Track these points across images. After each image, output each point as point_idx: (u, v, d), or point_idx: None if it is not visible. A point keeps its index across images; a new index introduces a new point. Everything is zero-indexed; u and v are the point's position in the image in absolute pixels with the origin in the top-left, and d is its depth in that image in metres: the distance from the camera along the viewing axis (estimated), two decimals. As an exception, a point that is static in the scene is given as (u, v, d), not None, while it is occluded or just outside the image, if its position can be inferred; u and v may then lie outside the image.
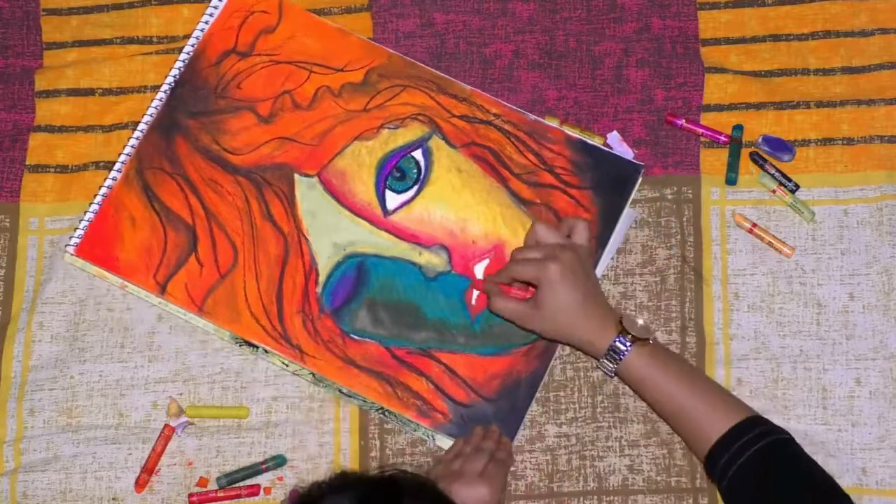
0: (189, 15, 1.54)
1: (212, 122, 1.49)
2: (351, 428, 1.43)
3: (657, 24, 1.52)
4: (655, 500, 1.41)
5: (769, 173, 1.47)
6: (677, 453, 1.41)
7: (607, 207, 1.46)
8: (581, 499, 1.42)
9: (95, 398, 1.44)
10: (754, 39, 1.52)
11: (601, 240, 1.45)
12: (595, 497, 1.42)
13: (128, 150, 1.49)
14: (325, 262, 1.45)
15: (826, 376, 1.43)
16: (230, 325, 1.44)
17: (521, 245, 1.43)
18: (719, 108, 1.50)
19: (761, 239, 1.46)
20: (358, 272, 1.45)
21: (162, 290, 1.44)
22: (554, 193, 1.46)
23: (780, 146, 1.48)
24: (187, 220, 1.46)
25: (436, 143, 1.48)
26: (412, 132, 1.48)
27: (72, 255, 1.46)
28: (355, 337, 1.43)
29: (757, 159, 1.48)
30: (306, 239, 1.46)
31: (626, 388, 1.42)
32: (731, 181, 1.47)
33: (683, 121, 1.49)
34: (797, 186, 1.47)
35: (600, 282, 1.44)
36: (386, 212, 1.46)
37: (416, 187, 1.47)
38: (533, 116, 1.48)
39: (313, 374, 1.43)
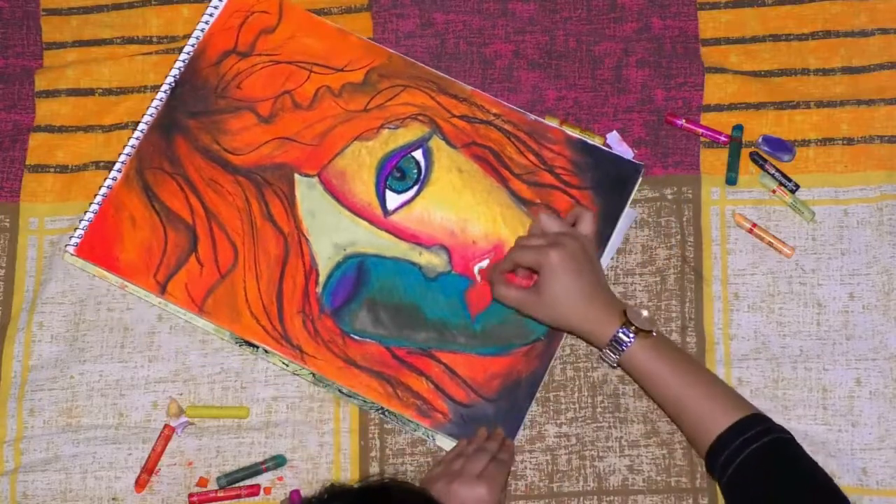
0: (189, 15, 1.54)
1: (212, 122, 1.49)
2: (351, 428, 1.43)
3: (657, 24, 1.52)
4: (655, 500, 1.41)
5: (769, 173, 1.47)
6: (677, 453, 1.42)
7: (607, 207, 1.46)
8: (581, 499, 1.42)
9: (95, 398, 1.44)
10: (754, 39, 1.52)
11: (601, 240, 1.45)
12: (595, 497, 1.42)
13: (128, 150, 1.49)
14: (325, 263, 1.45)
15: (826, 376, 1.43)
16: (230, 325, 1.44)
17: (523, 243, 1.43)
18: (719, 108, 1.50)
19: (761, 239, 1.46)
20: (358, 272, 1.45)
21: (162, 290, 1.44)
22: (554, 193, 1.46)
23: (780, 146, 1.48)
24: (187, 220, 1.46)
25: (436, 143, 1.48)
26: (412, 132, 1.48)
27: (72, 255, 1.46)
28: (355, 337, 1.43)
29: (757, 159, 1.48)
30: (306, 239, 1.45)
31: (626, 388, 1.43)
32: (731, 181, 1.47)
33: (683, 121, 1.49)
34: (797, 186, 1.47)
35: (600, 282, 1.45)
36: (386, 212, 1.46)
37: (416, 187, 1.47)
38: (533, 116, 1.48)
39: (313, 374, 1.43)
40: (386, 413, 1.42)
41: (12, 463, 1.43)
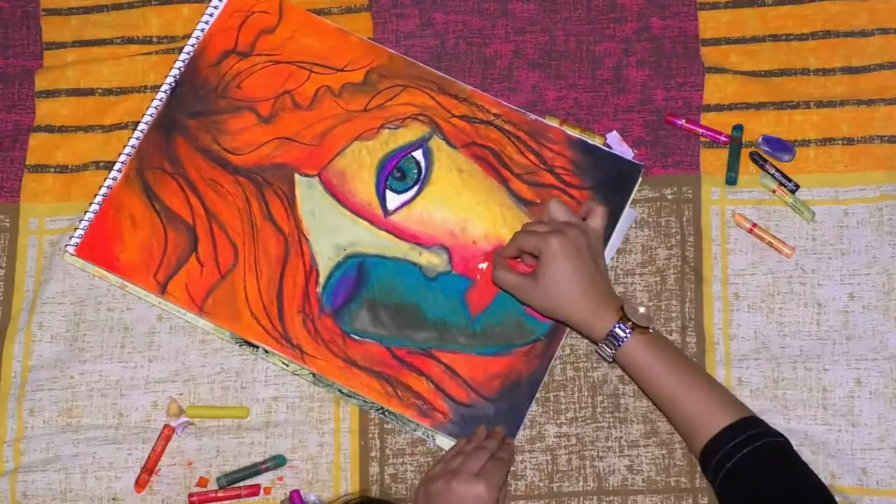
0: (189, 15, 1.54)
1: (212, 122, 1.49)
2: (351, 428, 1.43)
3: (657, 24, 1.52)
4: (655, 500, 1.41)
5: (769, 173, 1.47)
6: (677, 453, 1.42)
7: (607, 207, 1.45)
8: (581, 499, 1.42)
9: (95, 398, 1.44)
10: (754, 39, 1.52)
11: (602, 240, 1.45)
12: (595, 497, 1.42)
13: (128, 150, 1.49)
14: (325, 263, 1.45)
15: (826, 376, 1.43)
16: (230, 325, 1.44)
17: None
18: (719, 108, 1.50)
19: (761, 239, 1.46)
20: (358, 272, 1.45)
21: (162, 289, 1.44)
22: (554, 193, 1.46)
23: (780, 146, 1.48)
24: (188, 219, 1.46)
25: (436, 143, 1.48)
26: (412, 132, 1.48)
27: (72, 255, 1.46)
28: (356, 337, 1.43)
29: (757, 159, 1.48)
30: (307, 239, 1.46)
31: (626, 388, 1.43)
32: (731, 181, 1.47)
33: (683, 121, 1.49)
34: (797, 186, 1.47)
35: (601, 281, 1.45)
36: (386, 212, 1.46)
37: (416, 187, 1.47)
38: (533, 116, 1.48)
39: (313, 374, 1.43)
40: (386, 413, 1.42)
41: (12, 463, 1.43)
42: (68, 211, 1.49)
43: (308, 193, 1.47)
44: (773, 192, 1.47)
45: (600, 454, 1.42)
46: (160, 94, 1.50)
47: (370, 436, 1.43)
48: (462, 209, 1.46)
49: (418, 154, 1.48)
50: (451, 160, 1.48)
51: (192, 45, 1.51)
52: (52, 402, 1.44)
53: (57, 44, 1.55)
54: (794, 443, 1.35)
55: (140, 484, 1.41)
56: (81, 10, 1.55)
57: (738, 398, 1.39)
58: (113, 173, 1.48)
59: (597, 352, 1.37)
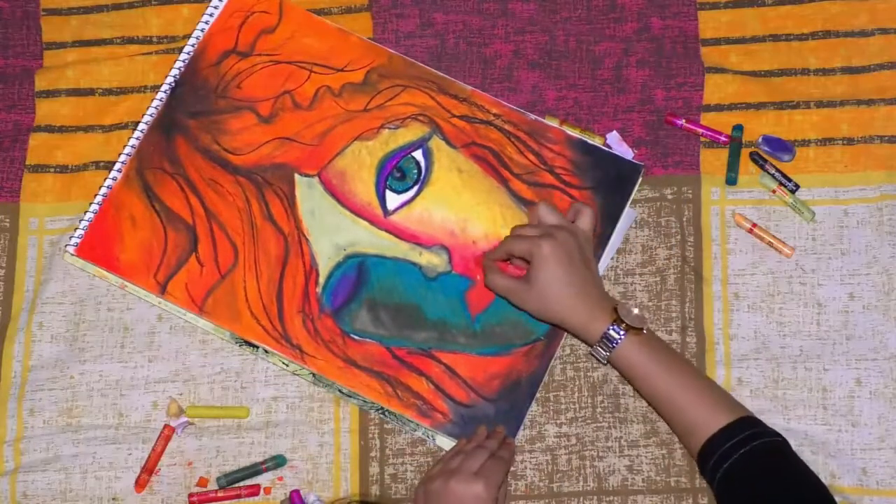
0: (189, 15, 1.54)
1: (212, 122, 1.49)
2: (351, 428, 1.43)
3: (657, 24, 1.52)
4: (655, 500, 1.41)
5: (769, 173, 1.47)
6: (677, 453, 1.42)
7: (607, 207, 1.46)
8: (581, 499, 1.42)
9: (95, 398, 1.44)
10: (754, 39, 1.52)
11: (601, 240, 1.45)
12: (595, 497, 1.42)
13: (128, 150, 1.49)
14: (325, 263, 1.45)
15: (826, 376, 1.43)
16: (230, 325, 1.44)
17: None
18: (719, 108, 1.50)
19: (761, 239, 1.46)
20: (358, 272, 1.45)
21: (162, 290, 1.44)
22: (554, 193, 1.46)
23: (780, 146, 1.48)
24: (188, 220, 1.46)
25: (436, 143, 1.48)
26: (412, 132, 1.48)
27: (72, 255, 1.46)
28: (356, 337, 1.43)
29: (757, 159, 1.48)
30: (306, 239, 1.46)
31: (627, 388, 1.43)
32: (731, 181, 1.47)
33: (683, 121, 1.49)
34: (797, 186, 1.47)
35: (600, 282, 1.45)
36: (386, 212, 1.46)
37: (416, 187, 1.47)
38: (533, 116, 1.48)
39: (313, 374, 1.43)
40: (386, 413, 1.42)
41: (12, 463, 1.43)
42: (68, 211, 1.49)
43: (308, 193, 1.47)
44: (773, 192, 1.47)
45: (600, 454, 1.42)
46: (160, 94, 1.50)
47: (370, 436, 1.43)
48: (462, 209, 1.46)
49: (418, 154, 1.48)
50: (451, 160, 1.48)
51: (192, 45, 1.51)
52: (52, 402, 1.44)
53: (57, 44, 1.55)
54: (793, 443, 1.35)
55: (140, 484, 1.41)
56: (81, 10, 1.55)
57: (738, 398, 1.39)
58: (113, 173, 1.48)
59: (592, 354, 1.37)
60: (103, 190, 1.48)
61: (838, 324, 1.44)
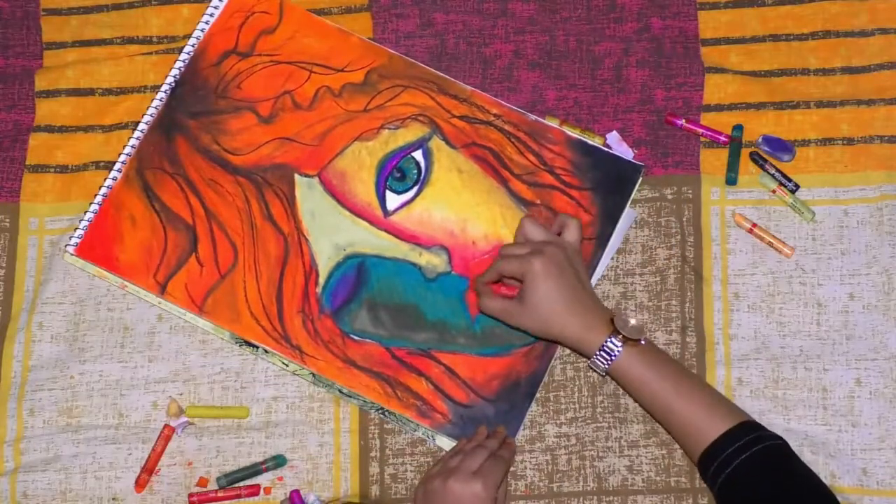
0: (189, 15, 1.54)
1: (212, 122, 1.49)
2: (351, 428, 1.43)
3: (657, 24, 1.52)
4: (655, 500, 1.41)
5: (769, 173, 1.47)
6: (677, 453, 1.42)
7: (607, 208, 1.46)
8: (581, 499, 1.42)
9: (95, 398, 1.44)
10: (754, 39, 1.52)
11: (601, 240, 1.45)
12: (595, 497, 1.42)
13: (128, 150, 1.49)
14: (325, 263, 1.45)
15: (826, 376, 1.43)
16: (230, 326, 1.44)
17: (520, 245, 1.43)
18: (719, 108, 1.50)
19: (761, 239, 1.46)
20: (358, 273, 1.45)
21: (162, 290, 1.44)
22: (554, 194, 1.46)
23: (780, 146, 1.48)
24: (187, 220, 1.46)
25: (436, 143, 1.48)
26: (412, 132, 1.48)
27: (72, 255, 1.46)
28: (355, 337, 1.43)
29: (757, 159, 1.48)
30: (306, 239, 1.46)
31: (626, 388, 1.43)
32: (731, 181, 1.47)
33: (683, 121, 1.49)
34: (797, 186, 1.47)
35: (600, 282, 1.45)
36: (386, 212, 1.46)
37: (416, 188, 1.47)
38: (533, 117, 1.48)
39: (313, 375, 1.43)
40: (386, 413, 1.42)
41: (12, 463, 1.43)
42: (68, 211, 1.49)
43: (308, 194, 1.47)
44: (773, 192, 1.47)
45: (600, 454, 1.42)
46: (160, 94, 1.50)
47: (370, 436, 1.43)
48: (462, 209, 1.46)
49: (418, 154, 1.48)
50: (450, 160, 1.48)
51: (193, 45, 1.51)
52: (52, 402, 1.44)
53: (57, 44, 1.55)
54: (793, 443, 1.35)
55: (140, 484, 1.42)
56: (81, 10, 1.55)
57: (738, 398, 1.39)
58: (113, 173, 1.48)
59: (590, 366, 1.37)
60: (103, 190, 1.48)
61: (838, 324, 1.44)
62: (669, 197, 1.48)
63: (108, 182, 1.48)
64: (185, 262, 1.45)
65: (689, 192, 1.48)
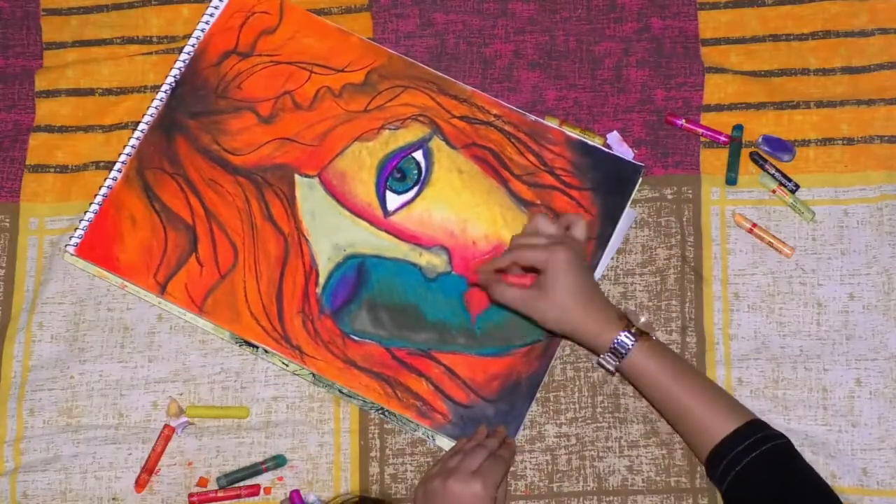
0: (189, 15, 1.54)
1: (212, 122, 1.49)
2: (351, 428, 1.43)
3: (657, 24, 1.52)
4: (655, 500, 1.41)
5: (769, 173, 1.47)
6: (677, 453, 1.42)
7: (607, 208, 1.46)
8: (581, 499, 1.42)
9: (95, 398, 1.44)
10: (754, 39, 1.52)
11: (601, 240, 1.45)
12: (595, 497, 1.42)
13: (128, 150, 1.49)
14: (325, 263, 1.45)
15: (826, 376, 1.43)
16: (230, 326, 1.44)
17: (522, 243, 1.43)
18: (719, 108, 1.50)
19: (761, 239, 1.46)
20: (358, 273, 1.45)
21: (162, 290, 1.44)
22: (554, 194, 1.46)
23: (780, 146, 1.48)
24: (187, 220, 1.46)
25: (436, 143, 1.48)
26: (413, 133, 1.48)
27: (72, 255, 1.46)
28: (355, 338, 1.43)
29: (757, 159, 1.48)
30: (306, 239, 1.46)
31: (626, 388, 1.43)
32: (731, 181, 1.47)
33: (683, 121, 1.49)
34: (797, 186, 1.47)
35: (600, 282, 1.45)
36: (386, 213, 1.46)
37: (416, 188, 1.47)
38: (533, 117, 1.48)
39: (313, 375, 1.43)
40: (386, 413, 1.42)
41: (12, 463, 1.43)
42: (68, 211, 1.49)
43: (308, 194, 1.47)
44: (773, 192, 1.47)
45: (600, 454, 1.42)
46: (160, 94, 1.50)
47: (370, 436, 1.43)
48: (462, 210, 1.46)
49: (418, 155, 1.48)
50: (451, 161, 1.48)
51: (193, 46, 1.51)
52: (52, 402, 1.44)
53: (57, 44, 1.55)
54: (794, 443, 1.35)
55: (140, 484, 1.42)
56: (81, 10, 1.55)
57: (738, 398, 1.39)
58: (113, 173, 1.48)
59: (600, 364, 1.36)
60: (103, 190, 1.48)
61: (838, 324, 1.44)
62: (669, 197, 1.48)
63: (108, 182, 1.48)
64: (185, 262, 1.45)
65: (689, 192, 1.48)
